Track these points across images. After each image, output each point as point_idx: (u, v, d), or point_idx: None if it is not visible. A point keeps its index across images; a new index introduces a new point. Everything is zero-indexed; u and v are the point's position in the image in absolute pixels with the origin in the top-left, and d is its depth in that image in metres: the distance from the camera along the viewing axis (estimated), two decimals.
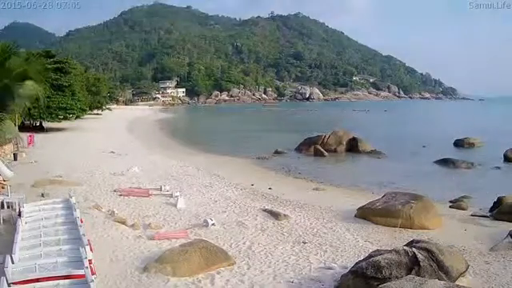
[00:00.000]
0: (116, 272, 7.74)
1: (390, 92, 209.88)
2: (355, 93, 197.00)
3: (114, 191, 14.37)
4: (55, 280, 5.51)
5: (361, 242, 10.23)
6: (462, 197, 16.65)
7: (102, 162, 20.69)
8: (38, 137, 27.83)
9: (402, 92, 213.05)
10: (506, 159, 26.44)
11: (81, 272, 5.58)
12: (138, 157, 20.09)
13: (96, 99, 55.99)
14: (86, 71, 61.97)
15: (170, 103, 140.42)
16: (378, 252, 7.51)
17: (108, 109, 63.63)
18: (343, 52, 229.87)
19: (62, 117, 37.94)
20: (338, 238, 10.56)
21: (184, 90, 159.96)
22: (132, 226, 10.72)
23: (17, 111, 16.94)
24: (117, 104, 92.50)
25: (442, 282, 5.78)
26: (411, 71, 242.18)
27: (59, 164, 19.22)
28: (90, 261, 6.20)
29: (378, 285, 6.29)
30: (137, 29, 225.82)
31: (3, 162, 16.49)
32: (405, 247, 7.36)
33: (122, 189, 14.75)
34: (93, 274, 6.98)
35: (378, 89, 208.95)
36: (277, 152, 29.59)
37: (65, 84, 37.99)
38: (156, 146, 29.57)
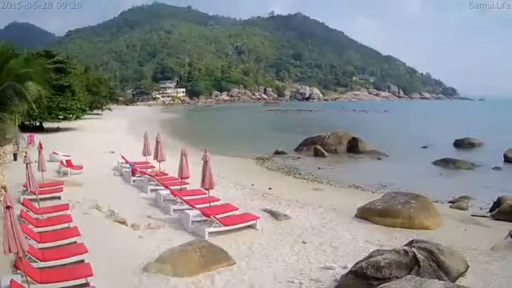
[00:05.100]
0: (116, 272, 7.74)
1: (389, 92, 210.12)
2: (355, 93, 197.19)
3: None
4: None
5: (361, 242, 10.21)
6: (462, 197, 16.67)
7: (103, 162, 20.69)
8: (38, 137, 27.79)
9: (401, 92, 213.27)
10: (506, 159, 26.44)
11: None
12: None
13: (96, 99, 56.02)
14: (86, 71, 61.99)
15: (169, 103, 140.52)
16: (377, 252, 7.49)
17: (108, 109, 63.68)
18: (343, 52, 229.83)
19: (62, 117, 37.99)
20: (338, 238, 10.54)
21: (184, 90, 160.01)
22: (132, 225, 10.72)
23: (17, 111, 16.92)
24: (117, 104, 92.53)
25: (442, 282, 5.76)
26: (411, 71, 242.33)
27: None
28: None
29: (377, 285, 6.29)
30: (137, 29, 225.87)
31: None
32: (405, 247, 7.35)
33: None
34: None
35: (378, 89, 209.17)
36: (277, 152, 29.58)
37: (65, 84, 37.98)
38: None
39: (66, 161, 18.79)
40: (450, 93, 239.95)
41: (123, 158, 19.51)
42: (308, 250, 9.47)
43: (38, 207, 11.18)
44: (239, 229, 10.61)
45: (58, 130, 37.38)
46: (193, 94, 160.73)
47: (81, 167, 18.18)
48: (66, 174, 17.33)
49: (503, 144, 29.11)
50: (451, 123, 60.96)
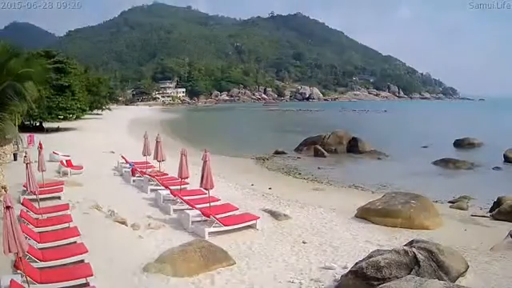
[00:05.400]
0: (116, 272, 7.74)
1: (389, 92, 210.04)
2: (355, 93, 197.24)
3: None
4: None
5: (361, 242, 10.21)
6: (462, 197, 16.66)
7: (103, 162, 20.69)
8: (38, 137, 27.80)
9: (401, 92, 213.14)
10: (506, 159, 26.42)
11: None
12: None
13: (96, 99, 55.99)
14: (86, 71, 61.91)
15: (169, 103, 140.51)
16: (377, 252, 7.50)
17: (108, 109, 63.67)
18: (343, 52, 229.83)
19: (62, 117, 38.02)
20: (338, 237, 10.54)
21: (184, 90, 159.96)
22: (132, 225, 10.72)
23: (17, 111, 16.93)
24: (117, 104, 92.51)
25: (442, 282, 5.77)
26: (411, 71, 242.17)
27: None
28: None
29: (377, 285, 6.29)
30: (137, 29, 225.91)
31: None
32: (405, 247, 7.35)
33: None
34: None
35: (378, 89, 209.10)
36: (277, 152, 29.58)
37: (65, 84, 37.99)
38: None
39: (66, 161, 18.79)
40: (450, 93, 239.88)
41: (123, 158, 19.52)
42: (308, 250, 9.47)
43: (38, 207, 11.18)
44: (239, 229, 10.60)
45: (58, 129, 37.38)
46: (193, 93, 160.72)
47: (81, 167, 18.18)
48: (65, 174, 17.33)
49: (503, 144, 29.08)
50: (451, 123, 60.96)
